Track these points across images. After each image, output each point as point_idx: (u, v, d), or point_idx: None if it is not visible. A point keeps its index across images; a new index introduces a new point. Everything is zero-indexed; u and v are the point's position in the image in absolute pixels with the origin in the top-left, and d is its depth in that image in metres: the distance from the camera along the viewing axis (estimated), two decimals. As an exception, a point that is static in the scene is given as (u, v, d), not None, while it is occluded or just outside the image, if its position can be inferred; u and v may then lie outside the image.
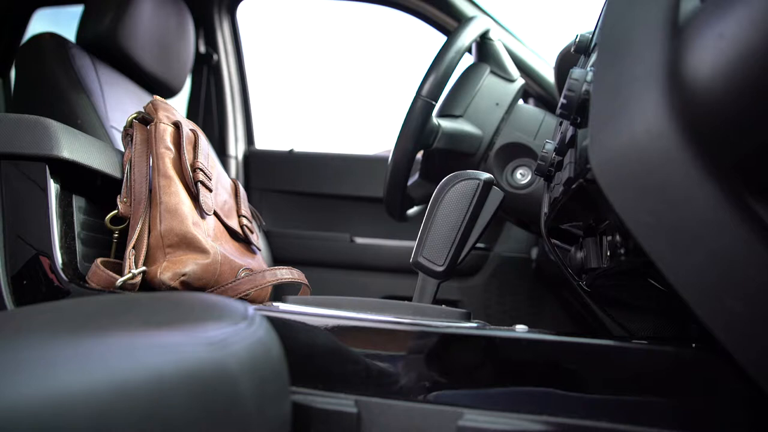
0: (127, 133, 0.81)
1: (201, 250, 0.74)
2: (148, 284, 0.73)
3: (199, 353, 0.37)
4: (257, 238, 0.96)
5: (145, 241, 0.73)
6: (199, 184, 0.80)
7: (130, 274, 0.70)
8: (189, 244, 0.74)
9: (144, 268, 0.72)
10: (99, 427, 0.29)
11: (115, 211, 0.75)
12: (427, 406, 0.50)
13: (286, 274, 0.84)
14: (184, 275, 0.72)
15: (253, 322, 0.44)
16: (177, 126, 0.82)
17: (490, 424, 0.48)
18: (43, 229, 0.69)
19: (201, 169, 0.81)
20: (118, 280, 0.69)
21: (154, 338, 0.37)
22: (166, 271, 0.71)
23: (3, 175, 0.70)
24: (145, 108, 0.83)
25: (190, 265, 0.73)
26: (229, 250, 0.84)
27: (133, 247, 0.73)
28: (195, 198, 0.79)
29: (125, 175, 0.77)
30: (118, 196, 0.76)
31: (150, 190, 0.76)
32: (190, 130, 0.85)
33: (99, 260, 0.71)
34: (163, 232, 0.73)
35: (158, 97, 0.84)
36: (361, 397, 0.51)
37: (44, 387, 0.29)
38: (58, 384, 0.29)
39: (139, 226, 0.74)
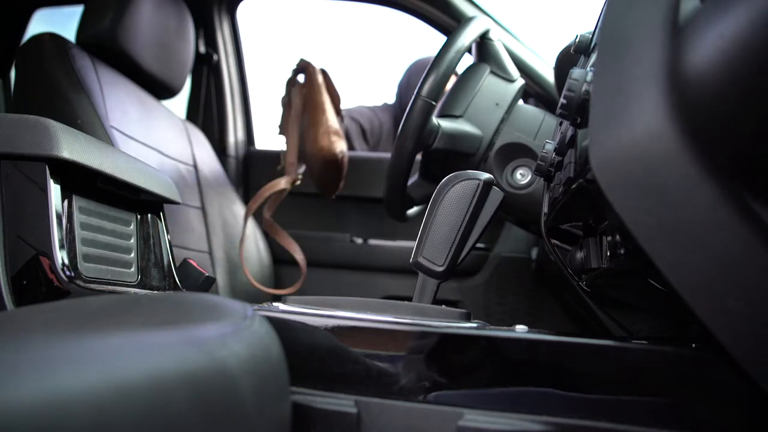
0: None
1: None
2: None
3: (199, 353, 0.37)
4: None
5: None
6: None
7: None
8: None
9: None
10: (99, 427, 0.29)
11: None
12: (427, 406, 0.50)
13: None
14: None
15: (253, 322, 0.44)
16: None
17: (490, 424, 0.48)
18: (43, 229, 0.69)
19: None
20: None
21: (153, 338, 0.37)
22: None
23: (3, 175, 0.70)
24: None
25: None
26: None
27: None
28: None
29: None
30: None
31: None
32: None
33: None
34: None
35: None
36: (361, 397, 0.51)
37: (44, 387, 0.29)
38: (58, 384, 0.29)
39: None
